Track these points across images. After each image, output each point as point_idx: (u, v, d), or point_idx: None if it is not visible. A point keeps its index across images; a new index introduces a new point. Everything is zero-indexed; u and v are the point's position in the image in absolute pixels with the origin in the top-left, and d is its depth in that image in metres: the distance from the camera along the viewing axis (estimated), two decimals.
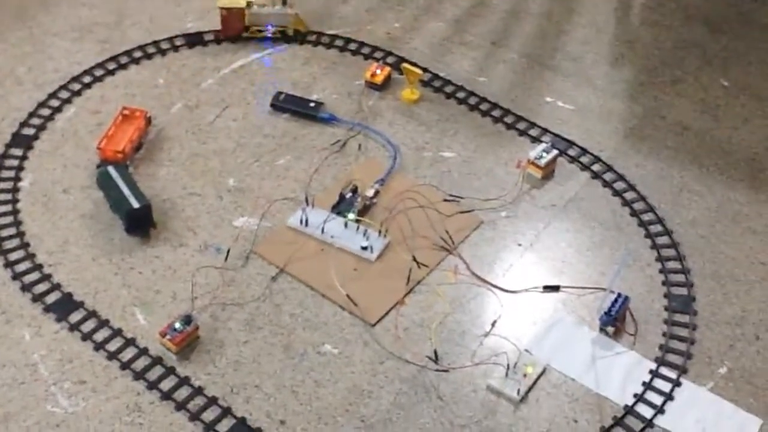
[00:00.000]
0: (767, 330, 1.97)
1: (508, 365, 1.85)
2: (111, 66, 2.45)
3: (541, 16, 2.70)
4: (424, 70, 2.46)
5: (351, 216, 2.09)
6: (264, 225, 2.09)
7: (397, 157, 2.25)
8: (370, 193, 2.15)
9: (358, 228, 2.08)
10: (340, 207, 2.12)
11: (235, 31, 2.52)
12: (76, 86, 2.39)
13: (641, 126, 2.39)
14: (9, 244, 2.03)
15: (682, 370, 1.89)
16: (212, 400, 1.80)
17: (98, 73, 2.43)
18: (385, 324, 1.94)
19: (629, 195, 2.21)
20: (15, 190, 2.14)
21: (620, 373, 1.88)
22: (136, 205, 2.04)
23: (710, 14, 2.72)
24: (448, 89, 2.44)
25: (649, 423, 1.81)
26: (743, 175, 2.28)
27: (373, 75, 2.42)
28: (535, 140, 2.32)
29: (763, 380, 1.88)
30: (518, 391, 1.82)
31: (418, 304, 1.98)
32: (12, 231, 2.06)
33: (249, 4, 2.49)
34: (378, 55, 2.52)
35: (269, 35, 2.53)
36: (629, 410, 1.82)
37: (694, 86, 2.50)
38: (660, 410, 1.82)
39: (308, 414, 1.79)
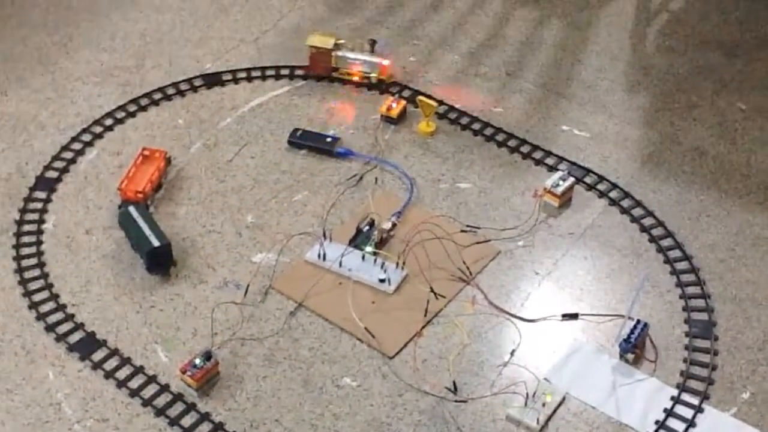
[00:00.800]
0: None
1: (527, 394, 1.85)
2: (132, 108, 2.50)
3: (556, 46, 2.72)
4: (440, 102, 2.48)
5: (368, 249, 2.11)
6: (282, 260, 2.12)
7: (413, 190, 2.27)
8: (387, 225, 2.17)
9: (375, 261, 2.09)
10: (357, 240, 2.14)
11: (322, 70, 2.54)
12: (98, 129, 2.44)
13: (658, 152, 2.39)
14: (33, 286, 2.07)
15: (704, 396, 1.88)
16: None
17: (119, 115, 2.48)
18: (403, 356, 1.95)
19: (647, 221, 2.21)
20: (39, 232, 2.19)
21: (641, 400, 1.87)
22: (156, 243, 2.08)
23: (725, 39, 2.73)
24: (464, 121, 2.46)
25: None
26: (762, 198, 2.27)
27: (389, 109, 2.44)
28: (552, 169, 2.33)
29: None
30: (537, 420, 1.82)
31: (437, 335, 1.99)
32: (36, 272, 2.10)
33: (337, 46, 2.52)
34: (394, 89, 2.55)
35: (355, 79, 2.53)
36: None
37: (711, 111, 2.50)
38: None
39: None
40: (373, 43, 2.52)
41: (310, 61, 2.55)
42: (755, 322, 2.01)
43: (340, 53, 2.52)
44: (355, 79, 2.53)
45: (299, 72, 2.59)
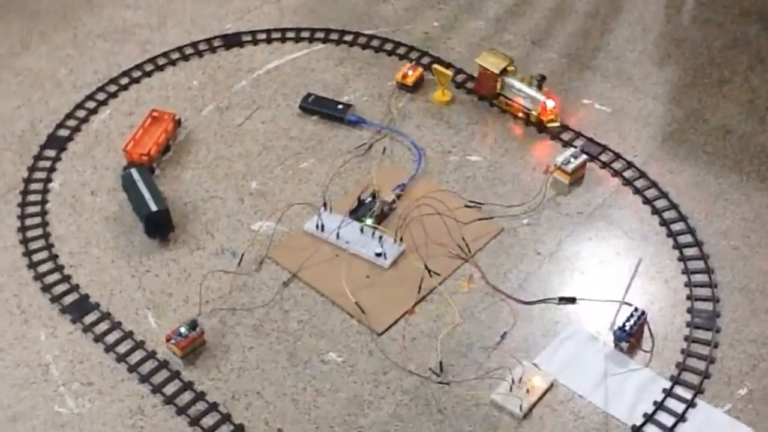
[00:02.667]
0: None
1: (512, 379, 1.80)
2: (148, 68, 2.48)
3: (587, 14, 2.61)
4: (459, 71, 2.41)
5: (368, 221, 2.07)
6: (281, 229, 2.09)
7: (421, 162, 2.22)
8: (390, 198, 2.12)
9: (373, 234, 2.05)
10: (358, 212, 2.10)
11: (487, 92, 2.33)
12: (113, 88, 2.43)
13: (681, 130, 2.29)
14: (34, 245, 2.09)
15: (698, 390, 1.80)
16: (213, 406, 1.81)
17: (135, 74, 2.47)
18: (392, 333, 1.92)
19: (660, 203, 2.12)
20: (45, 191, 2.20)
21: (632, 391, 1.81)
22: (154, 208, 2.07)
23: (767, 10, 2.59)
24: None
25: None
26: None
27: (405, 76, 2.38)
28: (567, 144, 2.25)
29: None
30: (521, 407, 1.77)
31: (429, 313, 1.95)
32: (38, 232, 2.11)
33: (505, 71, 2.31)
34: (414, 55, 2.48)
35: (516, 114, 2.31)
36: (637, 431, 1.75)
37: (743, 87, 2.38)
38: None
39: (306, 423, 1.78)
40: (541, 79, 2.27)
41: (477, 79, 2.35)
42: (762, 314, 1.92)
43: (507, 80, 2.30)
44: (519, 114, 2.31)
45: (328, 37, 2.53)
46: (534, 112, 2.28)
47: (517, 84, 2.30)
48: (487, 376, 1.82)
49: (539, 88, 2.28)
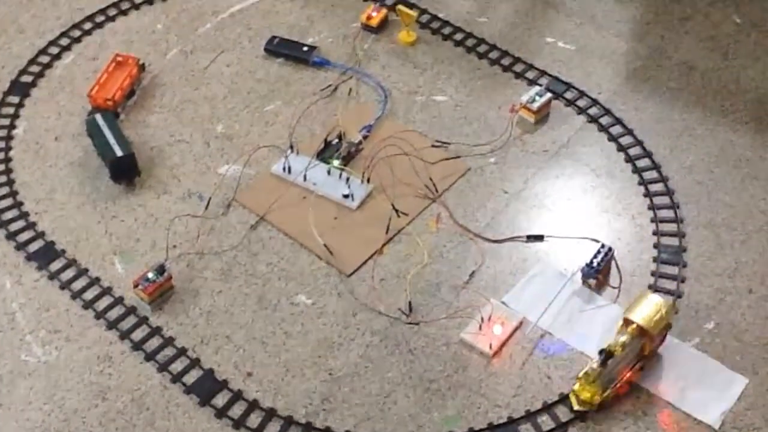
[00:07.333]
0: (761, 283, 1.74)
1: (482, 318, 1.67)
2: (112, 12, 2.28)
3: None
4: (423, 11, 2.24)
5: (335, 163, 1.91)
6: (248, 172, 1.93)
7: (387, 102, 2.05)
8: (357, 139, 1.96)
9: (340, 175, 1.90)
10: (325, 153, 1.94)
11: None
12: (76, 33, 2.24)
13: (644, 67, 2.14)
14: None
15: None
16: (181, 351, 1.67)
17: (99, 19, 2.26)
18: (361, 274, 1.77)
19: (625, 140, 1.98)
20: (8, 138, 2.02)
21: (600, 327, 1.68)
22: (119, 153, 1.90)
23: None
24: (446, 30, 2.22)
25: None
26: (749, 118, 2.03)
27: (369, 17, 2.21)
28: (532, 83, 2.10)
29: (753, 336, 1.67)
30: (490, 345, 1.65)
31: (397, 254, 1.80)
32: (2, 179, 1.94)
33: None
34: None
35: None
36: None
37: (704, 23, 2.23)
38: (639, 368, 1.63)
39: (276, 366, 1.65)
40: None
41: None
42: (728, 248, 1.80)
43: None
44: None
45: None
46: None
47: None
48: (457, 315, 1.69)
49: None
